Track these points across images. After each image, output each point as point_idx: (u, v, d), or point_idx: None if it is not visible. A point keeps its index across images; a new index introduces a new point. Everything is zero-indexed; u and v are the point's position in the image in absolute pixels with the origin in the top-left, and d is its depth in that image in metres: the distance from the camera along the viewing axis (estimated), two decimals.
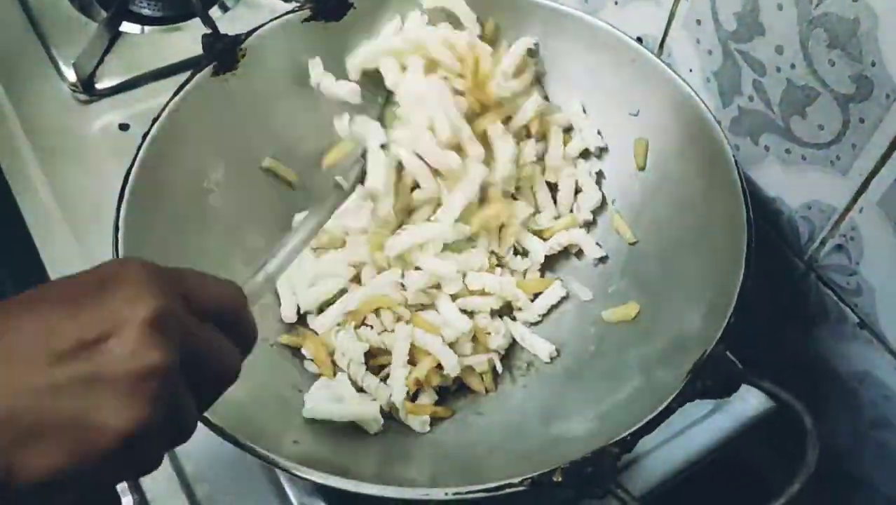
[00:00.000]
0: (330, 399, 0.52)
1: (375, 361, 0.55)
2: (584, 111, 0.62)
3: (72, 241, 0.62)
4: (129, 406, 0.28)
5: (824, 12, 0.50)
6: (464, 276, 0.56)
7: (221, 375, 0.34)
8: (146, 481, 0.53)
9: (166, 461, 0.53)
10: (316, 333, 0.56)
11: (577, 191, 0.62)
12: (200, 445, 0.52)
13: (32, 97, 0.71)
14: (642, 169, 0.59)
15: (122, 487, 0.55)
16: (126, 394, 0.28)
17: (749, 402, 0.56)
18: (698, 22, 0.60)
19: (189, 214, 0.55)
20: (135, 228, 0.50)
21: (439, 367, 0.53)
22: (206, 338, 0.32)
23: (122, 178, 0.51)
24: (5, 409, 0.27)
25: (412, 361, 0.54)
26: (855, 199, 0.54)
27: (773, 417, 0.56)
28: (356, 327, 0.55)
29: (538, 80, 0.62)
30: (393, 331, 0.55)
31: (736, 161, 0.52)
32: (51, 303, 0.30)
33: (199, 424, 0.43)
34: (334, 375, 0.54)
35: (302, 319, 0.58)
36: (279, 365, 0.55)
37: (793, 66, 0.54)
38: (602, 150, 0.61)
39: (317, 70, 0.60)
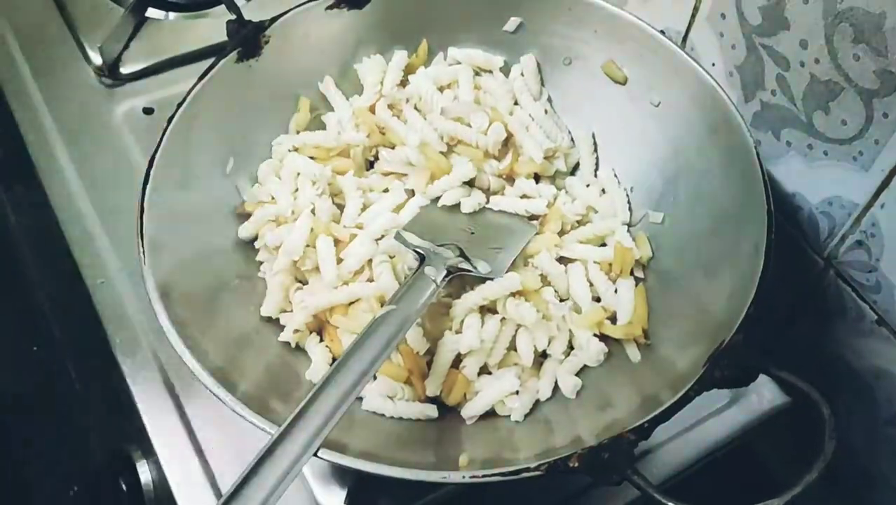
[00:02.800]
0: (382, 396, 0.52)
1: None
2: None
3: (97, 223, 0.63)
4: None
5: (850, 7, 0.50)
6: None
7: None
8: (163, 454, 0.54)
9: (181, 431, 0.54)
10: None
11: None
12: (216, 415, 0.53)
13: (59, 81, 0.72)
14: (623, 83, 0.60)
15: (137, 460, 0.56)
16: None
17: (765, 396, 0.56)
18: (722, 16, 0.60)
19: (212, 198, 0.56)
20: (158, 211, 0.51)
21: None
22: None
23: (145, 160, 0.52)
24: None
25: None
26: (876, 196, 0.54)
27: (788, 411, 0.56)
28: None
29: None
30: None
31: (758, 153, 0.52)
32: None
33: (212, 396, 0.44)
34: None
35: None
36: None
37: (817, 60, 0.54)
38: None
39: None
